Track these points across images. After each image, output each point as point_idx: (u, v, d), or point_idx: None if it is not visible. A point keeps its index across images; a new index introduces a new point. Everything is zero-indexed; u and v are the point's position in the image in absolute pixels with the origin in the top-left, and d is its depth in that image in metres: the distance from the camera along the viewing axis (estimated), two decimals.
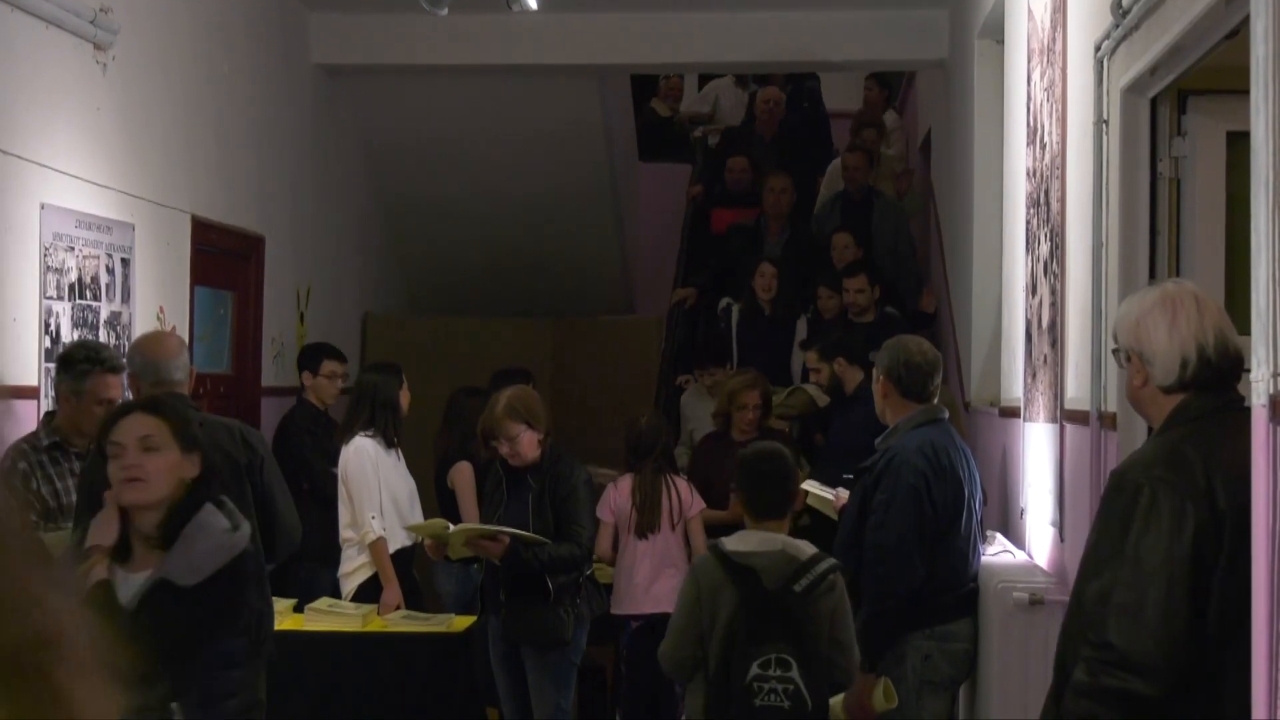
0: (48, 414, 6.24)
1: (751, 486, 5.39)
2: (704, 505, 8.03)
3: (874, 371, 6.03)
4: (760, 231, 11.23)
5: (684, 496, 7.92)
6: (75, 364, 6.06)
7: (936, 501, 5.69)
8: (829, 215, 11.51)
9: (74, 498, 6.06)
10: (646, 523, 7.80)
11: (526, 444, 6.79)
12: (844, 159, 11.55)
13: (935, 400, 5.98)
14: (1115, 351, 3.74)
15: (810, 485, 7.13)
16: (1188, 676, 3.32)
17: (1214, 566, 3.33)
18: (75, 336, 6.92)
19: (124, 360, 6.20)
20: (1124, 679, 3.33)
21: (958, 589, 5.77)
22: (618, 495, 7.89)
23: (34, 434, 6.14)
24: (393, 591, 7.36)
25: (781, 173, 11.38)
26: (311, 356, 8.90)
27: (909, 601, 5.65)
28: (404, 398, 7.75)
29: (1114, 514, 3.48)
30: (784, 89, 13.93)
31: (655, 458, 7.93)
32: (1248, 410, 3.58)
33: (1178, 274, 4.84)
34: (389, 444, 7.61)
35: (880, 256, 10.82)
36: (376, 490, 7.47)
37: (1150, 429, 3.82)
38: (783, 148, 12.88)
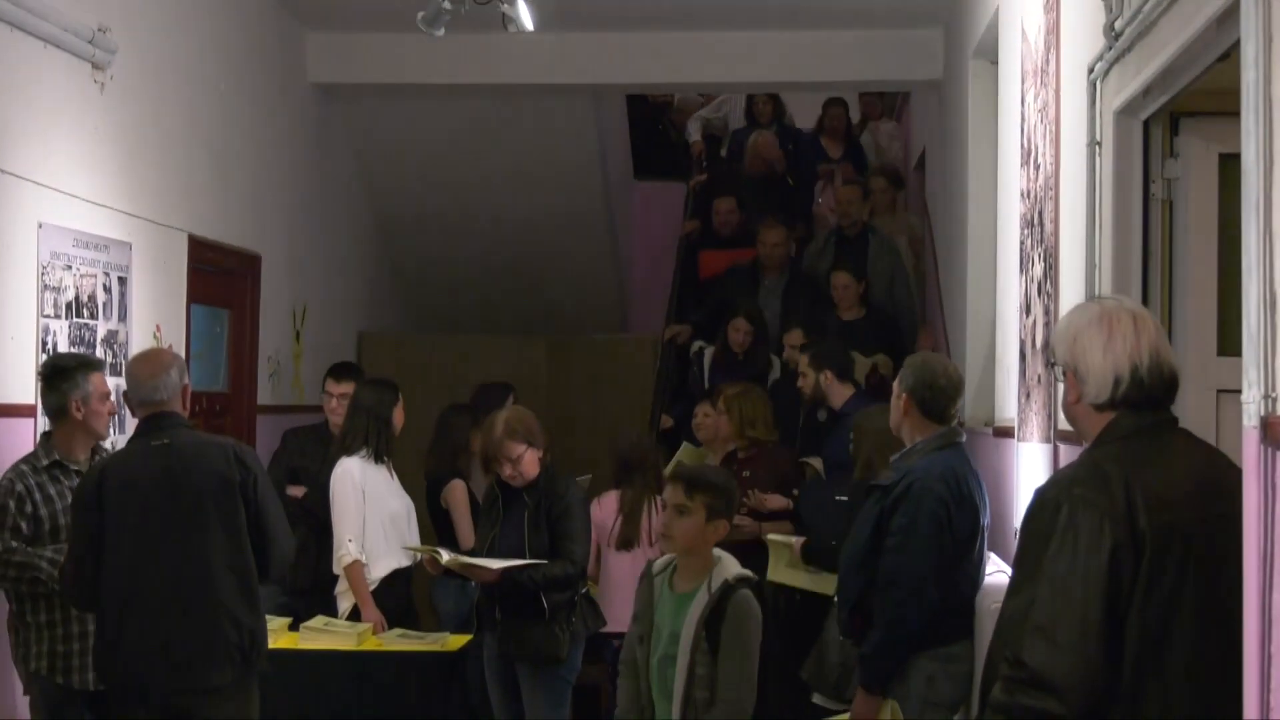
0: (44, 434, 6.25)
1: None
2: None
3: (895, 387, 6.00)
4: (757, 274, 11.01)
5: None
6: (70, 371, 6.11)
7: (956, 530, 5.70)
8: (822, 253, 11.29)
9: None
10: (630, 535, 7.80)
11: (529, 463, 6.82)
12: (839, 193, 11.30)
13: (955, 423, 6.00)
14: (1052, 365, 3.73)
15: (774, 537, 7.48)
16: (1103, 697, 3.31)
17: (1132, 587, 3.31)
18: None
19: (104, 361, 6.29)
20: (1038, 698, 3.31)
21: (964, 612, 5.77)
22: (600, 512, 7.89)
23: (33, 454, 6.16)
24: (369, 612, 7.36)
25: (776, 225, 11.04)
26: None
27: (922, 626, 5.65)
28: (399, 416, 7.75)
29: (1034, 532, 3.46)
30: (770, 126, 13.67)
31: (645, 473, 7.95)
32: (1182, 431, 3.60)
33: (1170, 295, 4.86)
34: (377, 459, 7.61)
35: (877, 295, 10.67)
36: (356, 513, 7.45)
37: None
38: (769, 189, 12.73)
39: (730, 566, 5.32)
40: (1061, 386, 3.71)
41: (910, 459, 5.86)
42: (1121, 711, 3.32)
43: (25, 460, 6.13)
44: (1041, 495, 3.52)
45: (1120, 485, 3.36)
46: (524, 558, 6.76)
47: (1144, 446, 3.49)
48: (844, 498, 7.08)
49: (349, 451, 7.58)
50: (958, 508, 5.70)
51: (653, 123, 15.04)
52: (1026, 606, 3.38)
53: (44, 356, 6.73)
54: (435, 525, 8.29)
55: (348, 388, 8.20)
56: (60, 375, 6.12)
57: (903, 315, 10.71)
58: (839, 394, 8.42)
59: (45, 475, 6.07)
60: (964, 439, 6.05)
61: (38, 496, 6.02)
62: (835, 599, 6.24)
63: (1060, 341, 3.66)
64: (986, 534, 5.94)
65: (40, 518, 6.01)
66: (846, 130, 13.82)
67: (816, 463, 8.56)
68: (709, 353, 10.35)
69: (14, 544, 5.95)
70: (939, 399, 5.90)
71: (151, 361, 5.92)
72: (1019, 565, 3.53)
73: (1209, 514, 3.28)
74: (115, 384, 6.66)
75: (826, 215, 12.44)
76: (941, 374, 5.96)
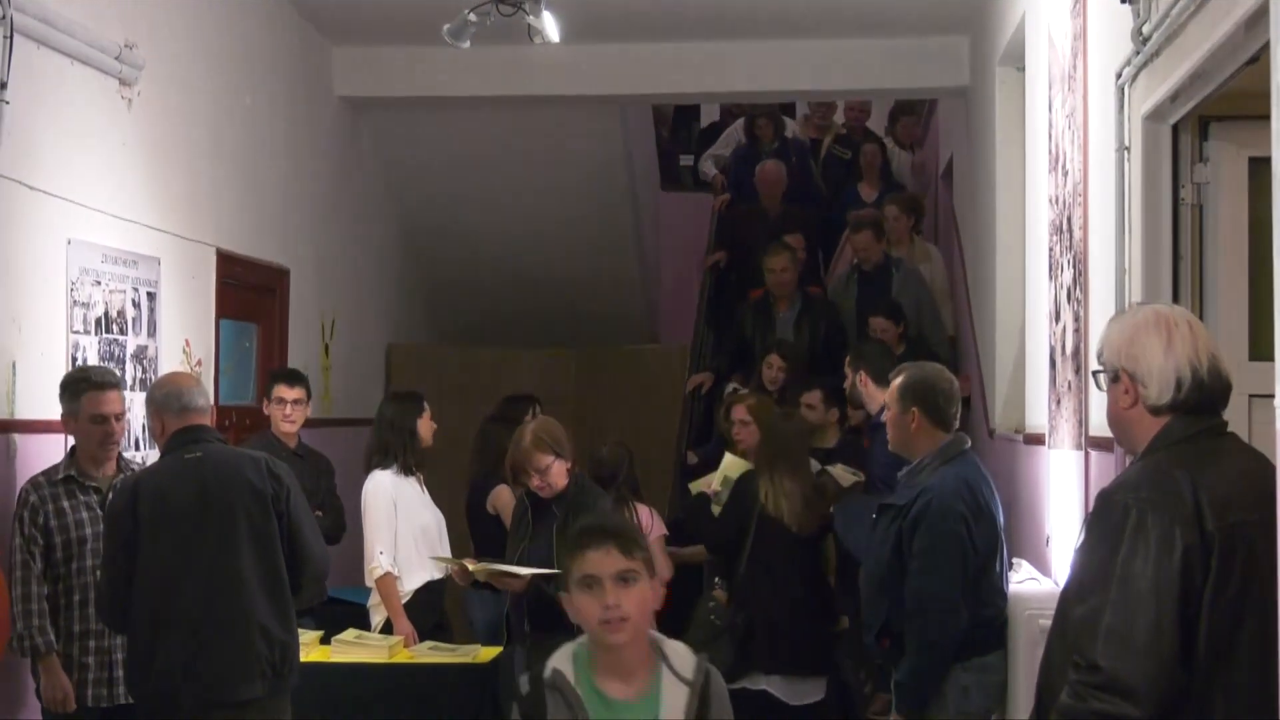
0: (71, 449, 6.30)
1: None
2: (664, 531, 8.17)
3: (899, 403, 5.92)
4: (769, 307, 10.65)
5: (643, 521, 7.96)
6: (67, 386, 6.23)
7: (978, 545, 5.66)
8: (845, 290, 11.04)
9: (90, 530, 6.13)
10: None
11: (557, 474, 6.79)
12: (851, 241, 10.96)
13: (957, 428, 5.94)
14: (1097, 373, 3.71)
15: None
16: (1175, 700, 3.31)
17: (1201, 589, 3.32)
18: None
19: (118, 378, 6.31)
20: (1111, 703, 3.31)
21: (994, 622, 5.74)
22: None
23: (54, 468, 6.25)
24: (402, 624, 7.38)
25: (780, 250, 10.63)
26: (270, 379, 8.17)
27: (953, 647, 5.63)
28: (425, 427, 7.76)
29: (1101, 536, 3.46)
30: (772, 143, 13.24)
31: (619, 484, 7.96)
32: (1232, 435, 3.59)
33: (1201, 299, 4.84)
34: (406, 472, 7.63)
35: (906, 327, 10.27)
36: (388, 526, 7.48)
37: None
38: (789, 219, 12.24)
39: (674, 644, 3.79)
40: (1105, 393, 3.68)
41: (921, 475, 5.79)
42: (1192, 713, 3.33)
43: (43, 473, 6.25)
44: (1108, 499, 3.50)
45: (1188, 488, 3.37)
46: (554, 569, 6.76)
47: (1202, 450, 3.49)
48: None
49: (380, 466, 7.61)
50: (977, 522, 5.65)
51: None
52: (1098, 611, 3.38)
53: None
54: (474, 532, 8.30)
55: (300, 393, 8.00)
56: (62, 389, 6.22)
57: (933, 344, 10.39)
58: (875, 399, 7.92)
59: (60, 488, 6.17)
60: (970, 444, 5.99)
61: (49, 508, 6.13)
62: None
63: (1112, 345, 3.64)
64: (1004, 539, 5.89)
65: (50, 529, 6.11)
66: (884, 168, 13.38)
67: (837, 470, 8.44)
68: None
69: (37, 619, 6.06)
70: (947, 406, 5.84)
71: (186, 375, 5.98)
72: (1083, 569, 3.53)
73: (1265, 518, 3.28)
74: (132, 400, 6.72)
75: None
76: (942, 380, 5.91)
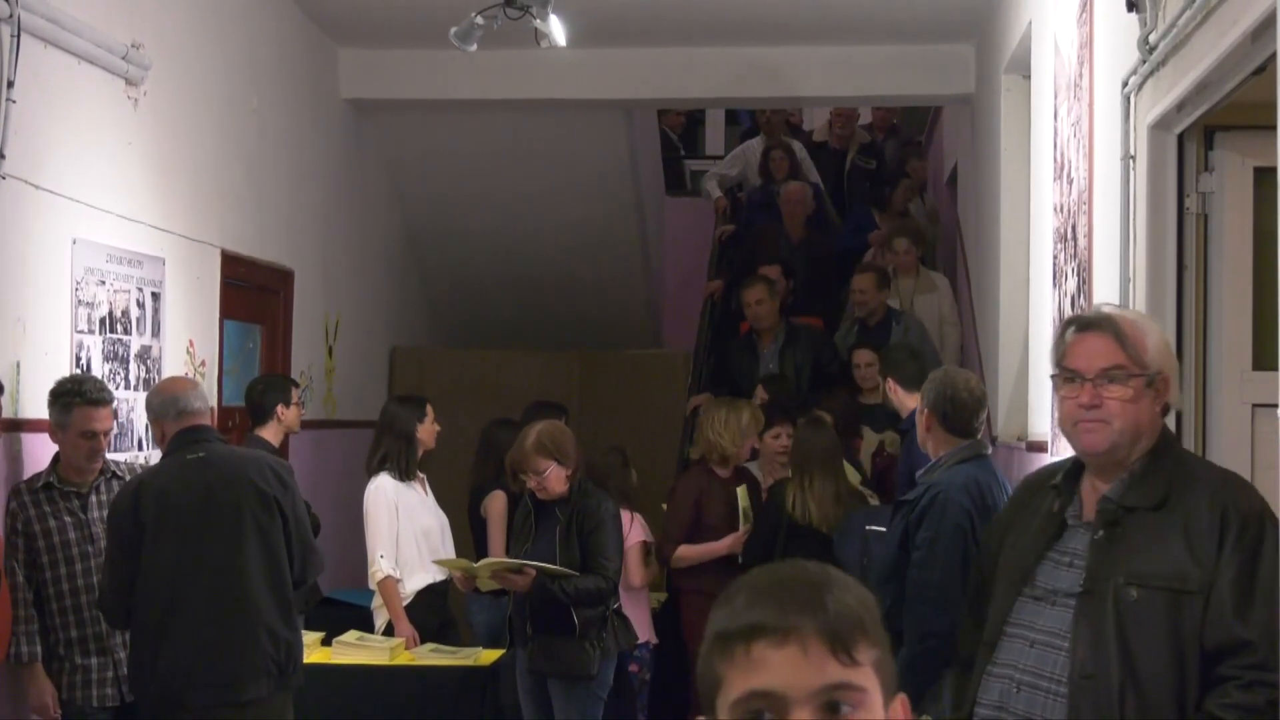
0: (57, 454, 6.27)
1: None
2: (643, 537, 8.16)
3: (921, 401, 5.99)
4: (753, 344, 10.46)
5: (623, 527, 7.96)
6: (59, 397, 6.14)
7: (980, 541, 5.67)
8: (844, 339, 10.75)
9: (74, 535, 6.11)
10: None
11: (553, 479, 6.82)
12: (853, 282, 10.73)
13: (980, 436, 5.97)
14: (1131, 378, 3.55)
15: None
16: None
17: None
18: (106, 370, 6.96)
19: (111, 394, 6.26)
20: None
21: None
22: None
23: (36, 475, 6.21)
24: (403, 627, 7.39)
25: (754, 283, 10.49)
26: (280, 388, 7.97)
27: (950, 639, 5.63)
28: (427, 431, 7.75)
29: (1248, 553, 3.36)
30: (784, 181, 12.99)
31: (607, 489, 7.94)
32: None
33: (1205, 309, 4.84)
34: (404, 477, 7.63)
35: None
36: (389, 530, 7.49)
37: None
38: (812, 245, 12.24)
39: None
40: (1130, 399, 3.60)
41: (934, 473, 5.85)
42: None
43: (25, 480, 6.20)
44: (1241, 515, 3.40)
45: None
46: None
47: None
48: (880, 528, 7.02)
49: (380, 470, 7.62)
50: (982, 518, 5.67)
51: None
52: (1263, 624, 3.30)
53: (77, 373, 6.75)
54: (475, 536, 8.30)
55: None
56: (52, 399, 6.17)
57: None
58: (905, 404, 7.70)
59: (41, 494, 6.12)
60: (990, 451, 6.02)
61: (31, 514, 6.08)
62: None
63: (1160, 349, 3.59)
64: None
65: (33, 534, 6.07)
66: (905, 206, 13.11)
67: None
68: None
69: (23, 625, 6.01)
70: (961, 413, 5.86)
71: (184, 379, 5.98)
72: (1232, 587, 3.37)
73: None
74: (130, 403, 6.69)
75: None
76: (963, 388, 5.91)
